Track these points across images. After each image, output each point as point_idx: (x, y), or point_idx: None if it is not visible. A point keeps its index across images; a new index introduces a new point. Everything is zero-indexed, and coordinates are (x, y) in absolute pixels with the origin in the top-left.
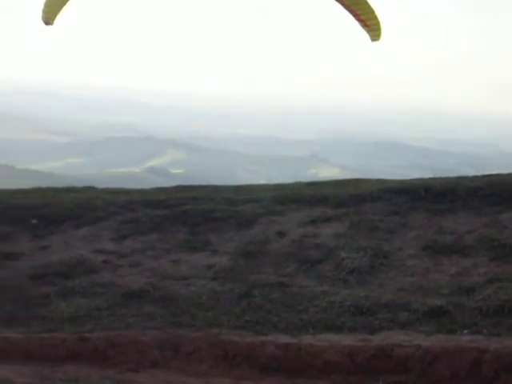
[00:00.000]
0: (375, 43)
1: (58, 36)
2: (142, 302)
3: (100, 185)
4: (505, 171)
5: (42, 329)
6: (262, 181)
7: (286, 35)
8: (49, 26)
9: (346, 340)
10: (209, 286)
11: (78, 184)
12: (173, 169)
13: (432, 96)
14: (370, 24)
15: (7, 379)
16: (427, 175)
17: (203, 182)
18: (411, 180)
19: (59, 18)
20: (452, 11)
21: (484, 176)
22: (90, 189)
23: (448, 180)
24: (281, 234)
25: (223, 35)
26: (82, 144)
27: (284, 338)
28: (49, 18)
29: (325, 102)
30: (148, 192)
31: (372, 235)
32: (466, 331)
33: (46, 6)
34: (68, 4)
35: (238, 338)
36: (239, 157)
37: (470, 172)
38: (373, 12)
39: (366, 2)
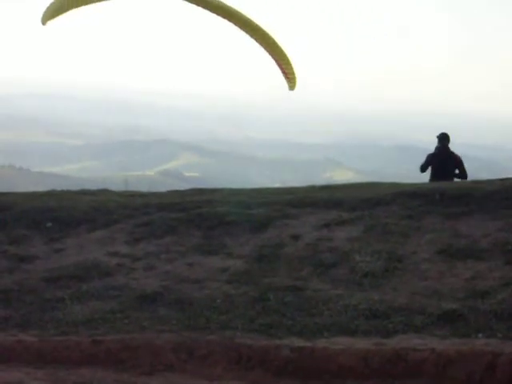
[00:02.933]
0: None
1: (75, 38)
2: (157, 305)
3: (115, 188)
4: None
5: (57, 332)
6: (276, 184)
7: (298, 35)
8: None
9: (361, 344)
10: (223, 289)
11: (93, 187)
12: (187, 172)
13: (446, 98)
14: (289, 75)
15: (21, 382)
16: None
17: (218, 186)
18: (426, 184)
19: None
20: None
21: (499, 180)
22: (104, 192)
23: (463, 184)
24: (295, 238)
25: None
26: (97, 147)
27: (298, 342)
28: (46, 20)
29: (340, 105)
30: (163, 195)
31: (386, 239)
32: (480, 335)
33: (48, 9)
34: (68, 12)
35: (252, 342)
36: (253, 160)
37: (485, 176)
38: (291, 64)
39: (286, 55)
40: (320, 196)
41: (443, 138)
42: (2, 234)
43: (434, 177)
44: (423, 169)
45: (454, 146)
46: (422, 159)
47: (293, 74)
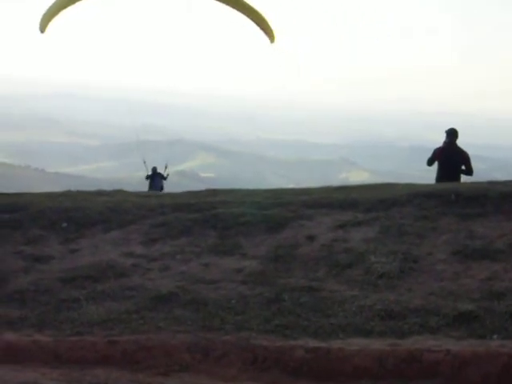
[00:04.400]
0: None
1: (90, 37)
2: (172, 306)
3: (130, 188)
4: None
5: (72, 332)
6: (291, 185)
7: (313, 35)
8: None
9: (376, 344)
10: (238, 289)
11: (109, 187)
12: (203, 172)
13: (463, 99)
14: (267, 30)
15: (36, 382)
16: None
17: (233, 186)
18: (441, 184)
19: (52, 25)
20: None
21: None
22: (120, 192)
23: (478, 184)
24: (311, 238)
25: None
26: (113, 147)
27: (313, 343)
28: (43, 27)
29: (354, 105)
30: (178, 195)
31: (402, 240)
32: (496, 336)
33: (43, 16)
34: (59, 15)
35: (267, 342)
36: (269, 161)
37: (499, 177)
38: (266, 21)
39: (261, 15)
40: (335, 197)
41: (451, 134)
42: (17, 234)
43: (440, 171)
44: (430, 162)
45: (468, 147)
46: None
47: (270, 28)
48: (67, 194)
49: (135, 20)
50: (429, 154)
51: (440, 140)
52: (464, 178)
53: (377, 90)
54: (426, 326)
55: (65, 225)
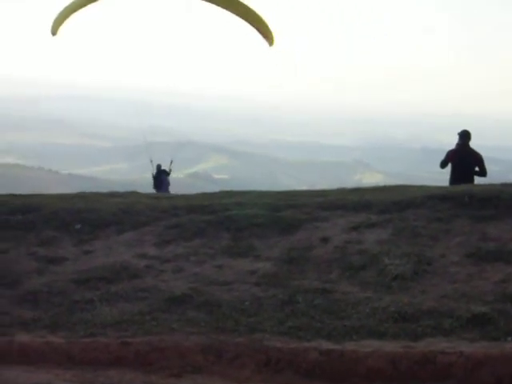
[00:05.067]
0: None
1: (101, 39)
2: (185, 307)
3: (142, 189)
4: None
5: (85, 333)
6: (304, 187)
7: (330, 35)
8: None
9: (389, 346)
10: (252, 291)
11: (122, 189)
12: (216, 174)
13: (475, 100)
14: (266, 33)
15: (50, 383)
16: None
17: (246, 188)
18: (455, 187)
19: (66, 27)
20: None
21: None
22: (133, 194)
23: (492, 186)
24: (324, 240)
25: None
26: (125, 149)
27: (327, 344)
28: (55, 30)
29: (368, 107)
30: (191, 197)
31: (415, 242)
32: (509, 338)
33: (55, 19)
34: (71, 17)
35: (281, 344)
36: (282, 163)
37: None
38: (265, 23)
39: (260, 17)
40: (349, 198)
41: (464, 136)
42: (31, 236)
43: (453, 173)
44: (443, 165)
45: (480, 149)
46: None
47: (269, 31)
48: (80, 196)
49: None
50: (441, 156)
51: (452, 142)
52: (478, 180)
53: (389, 91)
54: (439, 328)
55: (78, 226)
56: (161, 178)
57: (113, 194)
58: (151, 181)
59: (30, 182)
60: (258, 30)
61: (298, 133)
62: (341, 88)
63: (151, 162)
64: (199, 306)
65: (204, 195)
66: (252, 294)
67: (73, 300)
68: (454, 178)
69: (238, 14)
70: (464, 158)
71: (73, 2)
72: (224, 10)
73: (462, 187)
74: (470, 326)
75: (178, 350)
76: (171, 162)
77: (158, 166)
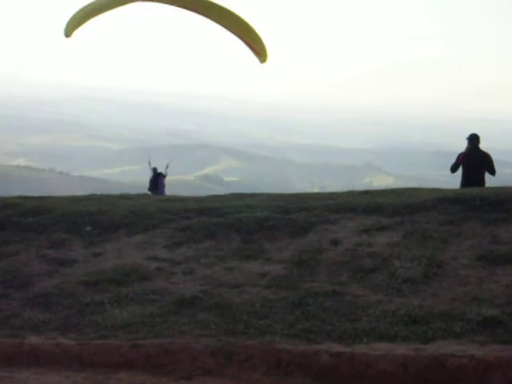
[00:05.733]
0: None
1: (114, 41)
2: (196, 310)
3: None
4: None
5: (96, 335)
6: (315, 189)
7: (341, 40)
8: (68, 38)
9: (400, 349)
10: (262, 293)
11: (132, 191)
12: (227, 177)
13: (487, 104)
14: (259, 49)
15: None
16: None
17: (257, 190)
18: (466, 189)
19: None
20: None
21: None
22: (144, 196)
23: (503, 189)
24: (335, 243)
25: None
26: (136, 151)
27: (337, 347)
28: (70, 32)
29: (380, 110)
30: (202, 199)
31: (426, 244)
32: None
33: (70, 20)
34: (89, 20)
35: (291, 347)
36: (293, 165)
37: None
38: (259, 38)
39: (254, 31)
40: (360, 201)
41: (474, 139)
42: (42, 238)
43: (465, 176)
44: (454, 169)
45: (493, 152)
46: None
47: (263, 47)
48: (91, 198)
49: (162, 25)
50: (453, 159)
51: (464, 145)
52: (489, 183)
53: (401, 94)
54: (450, 331)
55: (89, 228)
56: (157, 180)
57: (124, 197)
58: (147, 184)
59: (41, 184)
60: (250, 45)
61: (309, 135)
62: (354, 90)
63: (149, 164)
64: (210, 309)
65: (214, 197)
66: (262, 297)
67: (83, 302)
68: (466, 182)
69: (228, 27)
70: (475, 161)
71: (91, 6)
72: (217, 24)
73: (473, 190)
74: (481, 329)
75: (188, 353)
76: (167, 166)
77: (155, 169)
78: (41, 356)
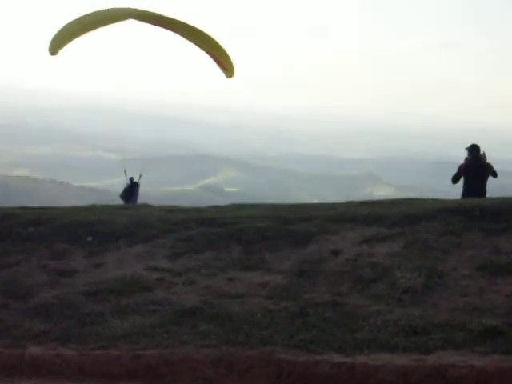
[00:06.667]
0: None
1: (114, 52)
2: (196, 320)
3: (155, 203)
4: None
5: (96, 346)
6: (316, 199)
7: (345, 49)
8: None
9: (400, 360)
10: (263, 304)
11: None
12: (227, 187)
13: (488, 114)
14: (226, 65)
15: None
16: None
17: (258, 201)
18: (467, 200)
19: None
20: None
21: None
22: (144, 206)
23: (504, 200)
24: (335, 253)
25: (279, 52)
26: (137, 162)
27: (338, 357)
28: (55, 50)
29: (380, 120)
30: (203, 210)
31: (427, 255)
32: None
33: (55, 39)
34: (76, 38)
35: (292, 357)
36: (293, 175)
37: None
38: (227, 54)
39: (222, 48)
40: (360, 211)
41: (474, 149)
42: (42, 248)
43: (466, 187)
44: (455, 180)
45: (494, 162)
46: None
47: (230, 63)
48: (92, 208)
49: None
50: (453, 169)
51: (464, 155)
52: (490, 193)
53: (401, 104)
54: (450, 341)
55: (90, 239)
56: (133, 189)
57: (124, 207)
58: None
59: (42, 195)
60: (219, 61)
61: (309, 146)
62: (354, 101)
63: (125, 173)
64: (210, 319)
65: (215, 208)
66: (263, 307)
67: (84, 312)
68: (467, 192)
69: (199, 45)
70: (477, 172)
71: (78, 25)
72: (185, 40)
73: (474, 200)
74: (482, 339)
75: (189, 363)
76: (140, 176)
77: (131, 179)
78: (41, 366)
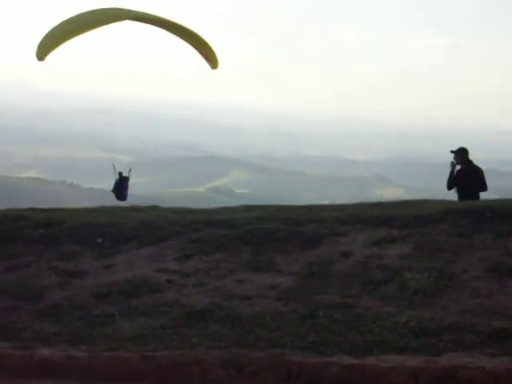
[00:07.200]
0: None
1: (122, 53)
2: (206, 322)
3: (164, 204)
4: None
5: (106, 347)
6: (325, 201)
7: (352, 54)
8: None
9: (410, 361)
10: (273, 306)
11: (142, 203)
12: (237, 188)
13: (494, 116)
14: (210, 56)
15: None
16: (493, 197)
17: (267, 202)
18: (477, 201)
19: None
20: None
21: None
22: (154, 208)
23: None
24: (345, 255)
25: (290, 53)
26: (147, 163)
27: (348, 359)
28: (42, 55)
29: (391, 122)
30: (212, 211)
31: (437, 256)
32: None
33: (42, 44)
34: (64, 43)
35: (301, 359)
36: (303, 177)
37: None
38: (209, 46)
39: (204, 40)
40: (370, 213)
41: (465, 153)
42: (52, 250)
43: (464, 191)
44: (451, 184)
45: (505, 164)
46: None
47: (214, 54)
48: (101, 210)
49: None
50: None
51: (476, 157)
52: (500, 195)
53: (414, 108)
54: (460, 343)
55: (100, 240)
56: (122, 183)
57: (134, 208)
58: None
59: (52, 196)
60: (202, 52)
61: (319, 147)
62: (364, 102)
63: (114, 167)
64: (220, 321)
65: (224, 209)
66: (273, 309)
67: (94, 314)
68: (462, 196)
69: (181, 37)
70: (472, 176)
71: (65, 28)
72: (166, 32)
73: (484, 202)
74: (492, 341)
75: (198, 365)
76: (130, 170)
77: (120, 173)
78: (51, 368)
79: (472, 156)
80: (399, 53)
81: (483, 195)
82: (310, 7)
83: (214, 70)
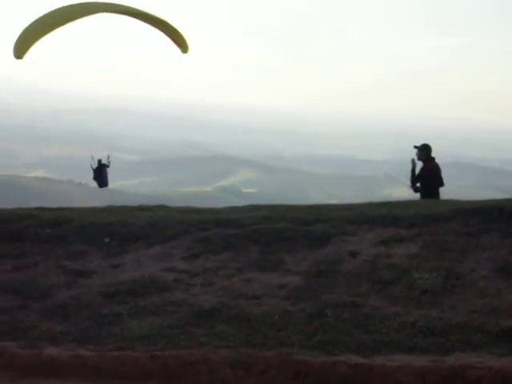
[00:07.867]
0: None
1: (130, 52)
2: (214, 321)
3: (172, 203)
4: None
5: (114, 347)
6: (334, 200)
7: (359, 53)
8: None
9: (418, 361)
10: (281, 305)
11: (151, 202)
12: (245, 188)
13: (501, 117)
14: (179, 40)
15: None
16: (502, 196)
17: (275, 202)
18: (485, 201)
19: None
20: None
21: None
22: (162, 207)
23: None
24: (353, 254)
25: (297, 53)
26: (154, 163)
27: (356, 359)
28: (21, 54)
29: (400, 122)
30: (220, 211)
31: (445, 256)
32: None
33: (18, 41)
34: (41, 39)
35: (309, 358)
36: (311, 177)
37: None
38: (177, 31)
39: (172, 26)
40: (378, 213)
41: (429, 149)
42: (60, 249)
43: (426, 188)
44: (416, 182)
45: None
46: (482, 176)
47: (183, 39)
48: (109, 209)
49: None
50: (473, 171)
51: (485, 156)
52: (509, 195)
53: (424, 107)
54: (468, 342)
55: (107, 240)
56: (101, 170)
57: (142, 208)
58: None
59: (60, 196)
60: (172, 38)
61: (327, 147)
62: (371, 102)
63: (92, 156)
64: (228, 320)
65: (232, 209)
66: (281, 308)
67: (101, 313)
68: (425, 194)
69: (154, 25)
70: (436, 173)
71: (43, 23)
72: (133, 20)
73: (492, 202)
74: (500, 340)
75: (206, 364)
76: (108, 156)
77: (99, 160)
78: (59, 367)
79: (476, 154)
80: (408, 52)
81: (491, 195)
82: (322, 7)
83: (184, 54)
